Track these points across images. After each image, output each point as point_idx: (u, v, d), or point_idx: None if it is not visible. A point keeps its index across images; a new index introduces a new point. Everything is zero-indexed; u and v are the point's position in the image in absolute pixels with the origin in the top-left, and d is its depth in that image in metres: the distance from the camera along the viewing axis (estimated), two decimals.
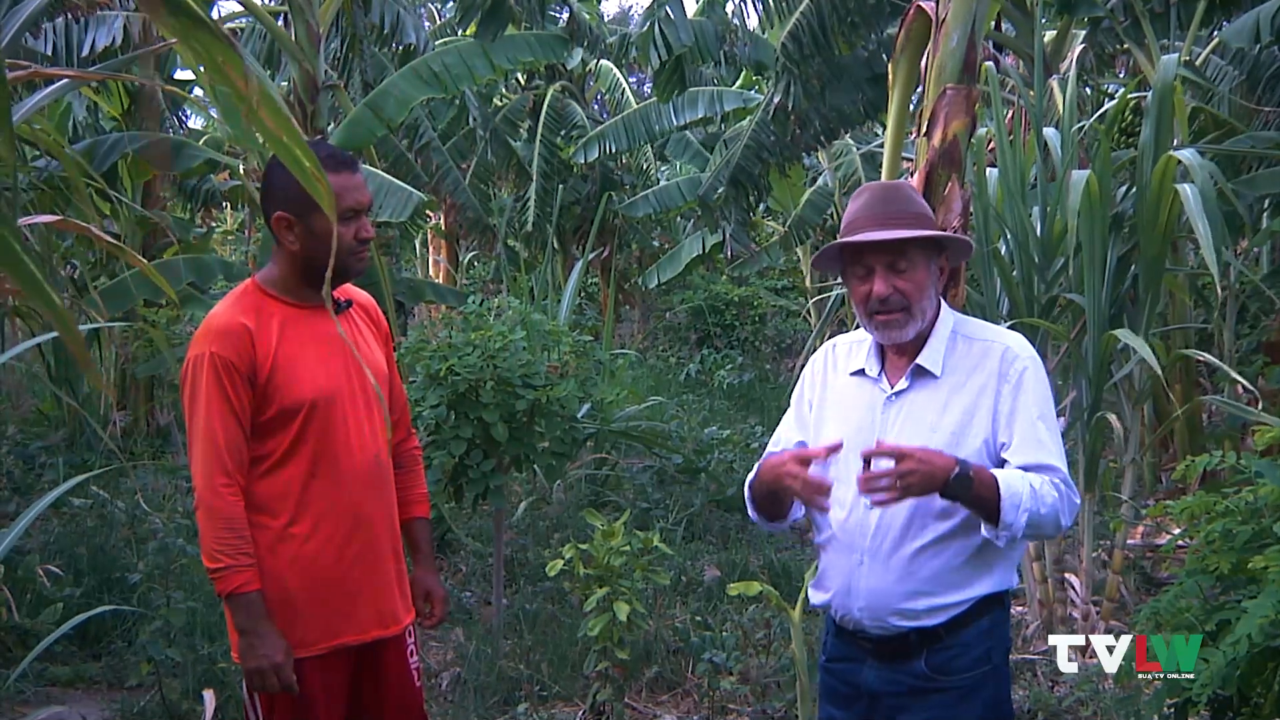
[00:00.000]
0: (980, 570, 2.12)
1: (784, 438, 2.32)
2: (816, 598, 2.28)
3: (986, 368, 2.14)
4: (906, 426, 2.13)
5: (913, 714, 2.14)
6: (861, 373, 2.22)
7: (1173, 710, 2.55)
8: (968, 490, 1.98)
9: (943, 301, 2.22)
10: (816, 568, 2.31)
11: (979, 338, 2.19)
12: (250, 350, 2.26)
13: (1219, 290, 4.45)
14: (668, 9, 8.10)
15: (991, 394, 2.12)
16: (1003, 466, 2.09)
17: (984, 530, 2.05)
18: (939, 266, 2.19)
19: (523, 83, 14.38)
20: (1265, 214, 6.42)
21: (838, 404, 2.25)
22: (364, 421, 2.38)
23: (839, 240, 2.17)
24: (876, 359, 2.21)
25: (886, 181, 2.25)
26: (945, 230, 3.85)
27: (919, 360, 2.15)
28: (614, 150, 12.46)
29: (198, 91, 8.96)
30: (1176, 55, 4.93)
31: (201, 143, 8.74)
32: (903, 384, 2.16)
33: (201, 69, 1.10)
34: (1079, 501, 2.16)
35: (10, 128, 0.92)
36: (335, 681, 2.35)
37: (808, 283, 13.52)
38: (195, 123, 13.59)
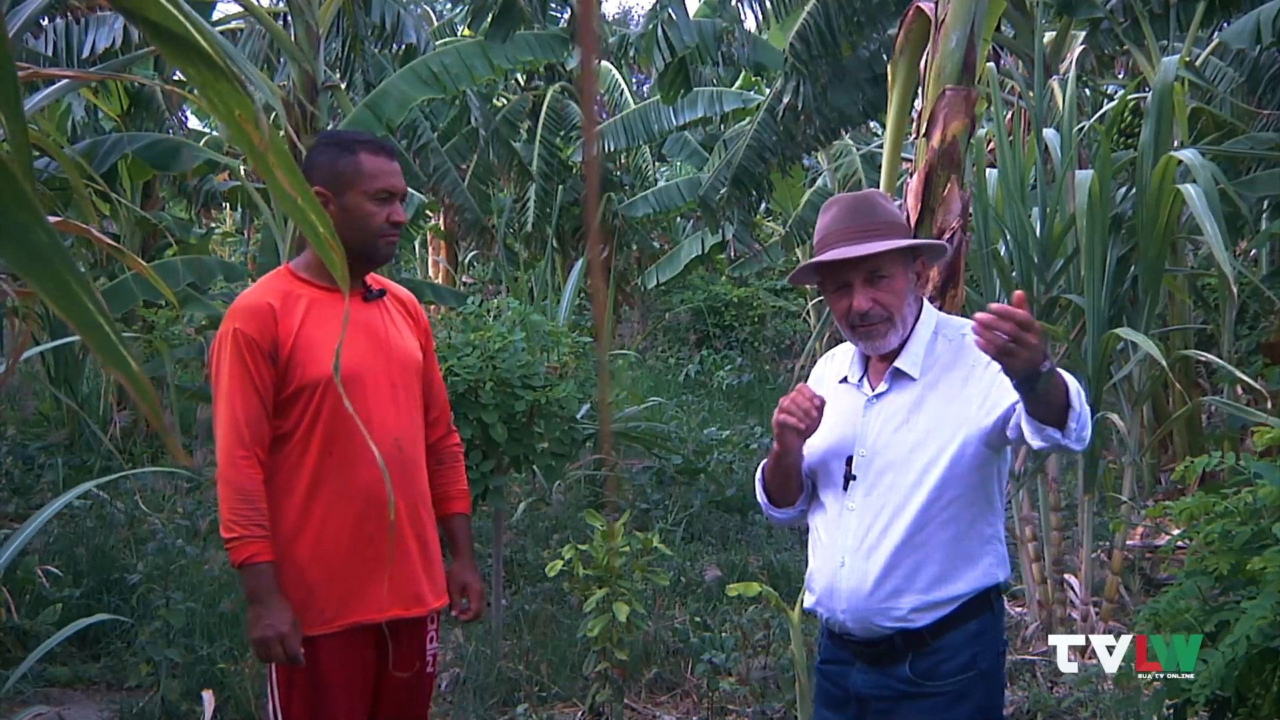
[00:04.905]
0: (964, 564, 2.10)
1: None
2: (807, 601, 2.29)
3: (961, 360, 2.12)
4: (883, 428, 2.15)
5: (900, 719, 2.13)
6: (846, 379, 2.25)
7: (1172, 711, 2.55)
8: (1049, 380, 1.86)
9: (925, 303, 2.22)
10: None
11: (956, 333, 2.17)
12: (272, 328, 2.31)
13: (1232, 291, 4.43)
14: (670, 11, 8.11)
15: (974, 379, 2.10)
16: (1006, 437, 2.04)
17: (1047, 435, 1.92)
18: (915, 271, 2.19)
19: (522, 83, 14.37)
20: (1265, 215, 6.43)
21: (827, 411, 2.25)
22: (388, 406, 2.40)
23: (813, 259, 2.15)
24: (859, 365, 2.23)
25: (853, 193, 2.23)
26: (938, 232, 3.87)
27: (897, 364, 2.16)
28: (612, 148, 12.45)
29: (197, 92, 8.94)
30: (1176, 56, 4.94)
31: (202, 143, 8.72)
32: (882, 386, 2.17)
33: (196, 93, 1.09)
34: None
35: (24, 124, 0.91)
36: (354, 661, 2.36)
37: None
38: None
